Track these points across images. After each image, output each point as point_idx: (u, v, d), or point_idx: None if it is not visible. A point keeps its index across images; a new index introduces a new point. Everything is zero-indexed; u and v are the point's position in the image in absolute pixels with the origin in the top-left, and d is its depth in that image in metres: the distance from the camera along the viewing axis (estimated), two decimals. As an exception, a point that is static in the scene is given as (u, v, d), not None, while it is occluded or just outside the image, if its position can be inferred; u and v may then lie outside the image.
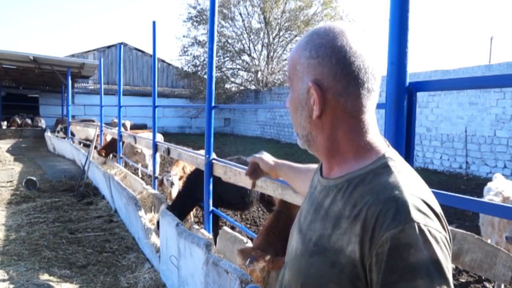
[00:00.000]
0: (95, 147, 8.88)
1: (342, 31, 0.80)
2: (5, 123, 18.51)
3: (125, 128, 11.67)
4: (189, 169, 5.10)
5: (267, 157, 1.52)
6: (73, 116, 17.15)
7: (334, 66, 0.78)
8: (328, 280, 0.75)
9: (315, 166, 1.33)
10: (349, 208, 0.75)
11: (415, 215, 0.68)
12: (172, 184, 4.56)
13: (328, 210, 0.81)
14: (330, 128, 0.83)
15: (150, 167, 7.99)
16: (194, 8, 24.85)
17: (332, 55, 0.78)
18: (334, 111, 0.81)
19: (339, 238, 0.74)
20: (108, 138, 9.81)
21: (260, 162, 1.51)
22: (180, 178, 4.95)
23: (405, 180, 0.74)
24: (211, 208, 3.76)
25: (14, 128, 18.70)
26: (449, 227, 0.76)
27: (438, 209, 0.73)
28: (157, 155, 6.05)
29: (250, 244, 3.12)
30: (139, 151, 8.61)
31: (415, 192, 0.72)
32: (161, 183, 5.03)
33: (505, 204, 1.38)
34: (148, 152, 8.92)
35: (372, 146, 0.82)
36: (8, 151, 13.56)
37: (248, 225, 5.74)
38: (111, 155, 9.05)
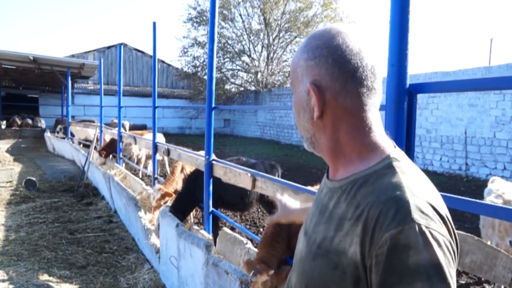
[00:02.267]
0: (95, 148, 8.87)
1: (339, 31, 0.80)
2: (4, 122, 18.48)
3: (124, 129, 11.66)
4: (189, 169, 5.09)
5: (290, 205, 1.36)
6: (72, 117, 17.13)
7: (331, 66, 0.78)
8: (331, 282, 0.74)
9: None
10: (352, 210, 0.74)
11: (416, 216, 0.66)
12: (153, 198, 4.59)
13: (332, 212, 0.80)
14: (332, 128, 0.82)
15: (150, 168, 7.98)
16: (194, 9, 24.86)
17: (328, 55, 0.78)
18: (335, 111, 0.80)
19: (342, 240, 0.74)
20: (107, 138, 9.79)
21: (283, 215, 1.36)
22: (170, 178, 4.94)
23: (409, 181, 0.73)
24: (211, 209, 3.76)
25: (13, 128, 18.68)
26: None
27: (445, 213, 0.71)
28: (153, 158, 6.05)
29: (250, 245, 3.12)
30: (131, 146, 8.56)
31: (419, 193, 0.70)
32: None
33: (505, 206, 1.38)
34: (136, 147, 8.90)
35: (377, 146, 0.81)
36: (7, 151, 13.54)
37: (248, 226, 5.74)
38: (110, 156, 9.04)
